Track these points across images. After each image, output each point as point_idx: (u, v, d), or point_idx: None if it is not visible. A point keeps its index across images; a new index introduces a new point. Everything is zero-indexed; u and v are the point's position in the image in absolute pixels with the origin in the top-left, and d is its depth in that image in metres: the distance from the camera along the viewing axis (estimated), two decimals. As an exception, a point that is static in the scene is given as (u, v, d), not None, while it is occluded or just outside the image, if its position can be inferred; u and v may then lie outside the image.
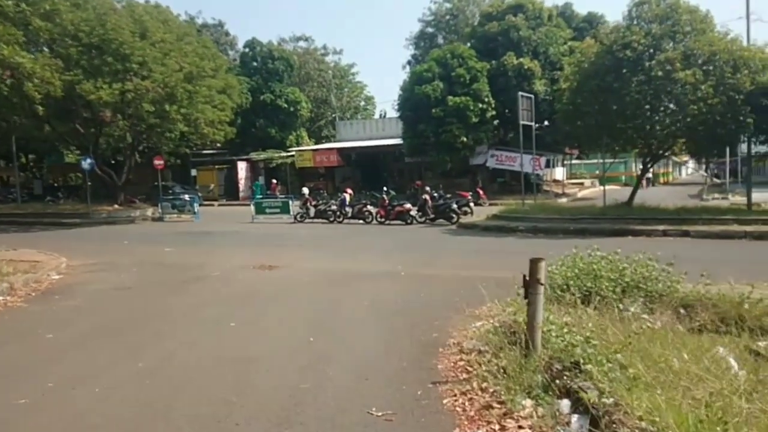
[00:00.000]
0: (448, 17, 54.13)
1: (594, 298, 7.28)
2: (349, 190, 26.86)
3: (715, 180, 46.59)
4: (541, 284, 4.50)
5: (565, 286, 7.50)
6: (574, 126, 19.93)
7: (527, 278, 4.62)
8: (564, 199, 33.35)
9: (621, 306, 7.12)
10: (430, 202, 22.81)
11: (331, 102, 60.88)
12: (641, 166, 22.97)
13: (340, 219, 24.67)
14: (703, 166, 62.46)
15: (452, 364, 5.66)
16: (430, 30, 55.89)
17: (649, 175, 45.26)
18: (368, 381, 5.45)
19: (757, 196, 25.90)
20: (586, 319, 6.50)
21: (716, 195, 29.37)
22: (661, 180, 56.57)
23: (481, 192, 31.41)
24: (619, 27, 18.44)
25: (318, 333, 7.42)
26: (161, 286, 11.36)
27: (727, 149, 25.10)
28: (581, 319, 6.23)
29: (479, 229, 19.59)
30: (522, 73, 34.21)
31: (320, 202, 26.28)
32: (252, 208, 27.38)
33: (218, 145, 45.47)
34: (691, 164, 70.55)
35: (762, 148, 28.53)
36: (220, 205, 40.42)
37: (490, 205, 29.35)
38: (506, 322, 6.14)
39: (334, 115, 59.64)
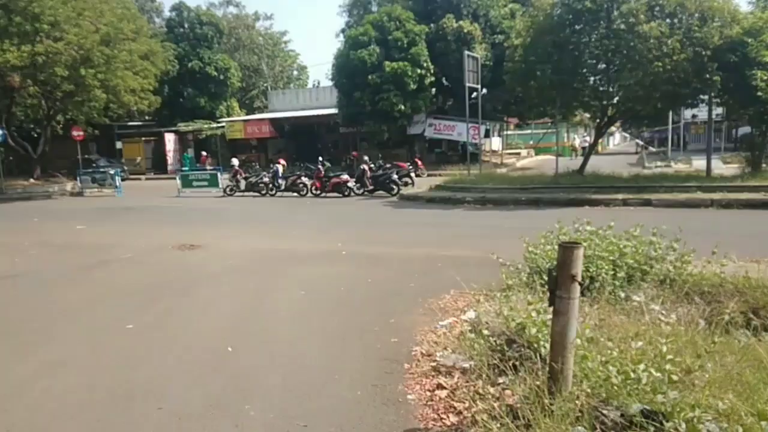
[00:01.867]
0: (382, -18, 51.78)
1: (591, 286, 5.83)
2: (282, 162, 24.75)
3: (650, 149, 47.15)
4: (579, 283, 2.89)
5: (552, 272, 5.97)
6: (526, 86, 18.50)
7: (553, 273, 2.97)
8: (503, 169, 32.38)
9: (623, 294, 5.71)
10: (368, 172, 21.10)
11: (262, 71, 57.52)
12: (593, 133, 21.96)
13: (273, 192, 22.72)
14: (628, 136, 63.74)
15: (428, 393, 3.95)
16: (362, -3, 53.50)
17: (585, 144, 45.42)
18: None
19: (699, 163, 25.81)
20: (588, 312, 5.05)
21: (658, 163, 29.10)
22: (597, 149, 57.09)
23: (419, 162, 29.94)
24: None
25: (240, 340, 5.61)
26: (56, 274, 9.24)
27: (670, 115, 24.54)
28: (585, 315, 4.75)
29: (423, 201, 18.07)
30: (462, 37, 32.63)
31: (252, 174, 24.17)
32: (178, 181, 25.26)
33: (147, 117, 42.65)
34: (618, 134, 72.02)
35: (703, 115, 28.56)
36: (147, 179, 37.89)
37: (429, 175, 28.03)
38: (492, 326, 4.51)
39: (266, 85, 56.42)
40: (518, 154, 46.82)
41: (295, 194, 22.08)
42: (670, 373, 2.68)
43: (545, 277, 5.83)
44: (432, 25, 33.05)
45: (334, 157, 35.15)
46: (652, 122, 24.77)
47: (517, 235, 11.37)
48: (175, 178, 26.70)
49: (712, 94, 16.52)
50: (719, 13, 15.95)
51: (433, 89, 33.51)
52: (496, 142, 45.28)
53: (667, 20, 15.83)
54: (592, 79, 17.03)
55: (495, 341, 4.02)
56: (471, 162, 23.82)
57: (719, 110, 30.64)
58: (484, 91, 33.60)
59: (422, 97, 32.17)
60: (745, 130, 34.21)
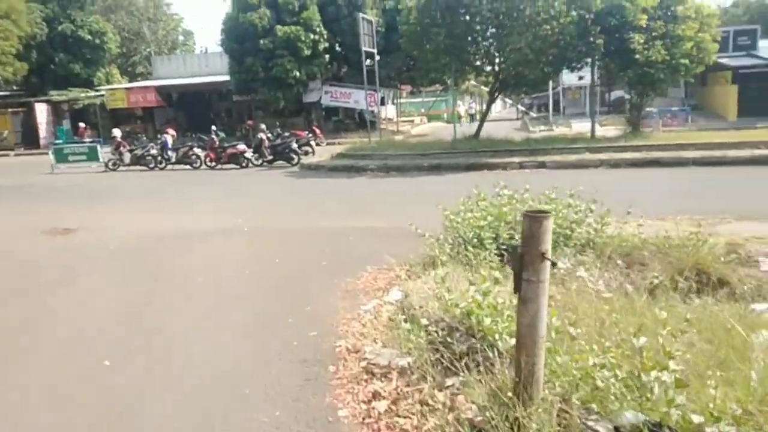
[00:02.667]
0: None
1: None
2: (172, 132, 22.86)
3: (531, 114, 49.03)
4: (552, 263, 2.43)
5: (476, 240, 5.62)
6: (421, 50, 18.13)
7: (519, 251, 2.47)
8: (400, 136, 32.24)
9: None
10: (266, 142, 19.97)
11: (144, 35, 52.97)
12: (478, 101, 22.08)
13: (162, 165, 20.97)
14: (509, 103, 66.21)
15: (363, 407, 3.24)
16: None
17: (472, 111, 46.39)
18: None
19: (579, 126, 27.04)
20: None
21: (542, 127, 30.17)
22: (478, 117, 58.53)
23: (317, 130, 28.98)
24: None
25: (120, 349, 4.67)
26: None
27: (550, 82, 25.28)
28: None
29: (326, 170, 17.38)
30: (353, 2, 31.68)
31: (137, 146, 22.08)
32: (51, 156, 22.49)
33: (14, 87, 38.47)
34: (499, 101, 74.46)
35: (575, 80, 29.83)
36: (16, 155, 33.86)
37: (328, 144, 27.22)
38: (427, 310, 4.03)
39: (148, 50, 52.09)
40: (412, 121, 47.03)
41: (188, 166, 20.51)
42: (675, 373, 2.31)
43: (471, 248, 5.53)
44: (322, -13, 31.79)
45: (228, 127, 33.28)
46: (532, 88, 25.46)
47: (426, 201, 11.07)
48: (48, 153, 23.89)
49: (596, 57, 17.02)
50: (598, -23, 16.40)
51: (327, 55, 32.48)
52: (390, 110, 45.16)
53: None
54: (484, 43, 16.95)
55: (434, 331, 3.54)
56: (366, 129, 23.38)
57: (586, 75, 32.44)
58: (378, 57, 33.08)
59: (317, 64, 31.05)
60: (617, 93, 36.38)
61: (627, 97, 33.12)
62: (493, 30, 16.46)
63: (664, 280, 5.20)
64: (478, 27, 16.74)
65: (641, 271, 5.55)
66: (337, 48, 32.99)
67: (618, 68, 17.14)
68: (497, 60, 16.96)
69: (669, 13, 16.24)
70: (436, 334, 3.47)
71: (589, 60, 17.44)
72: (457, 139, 19.53)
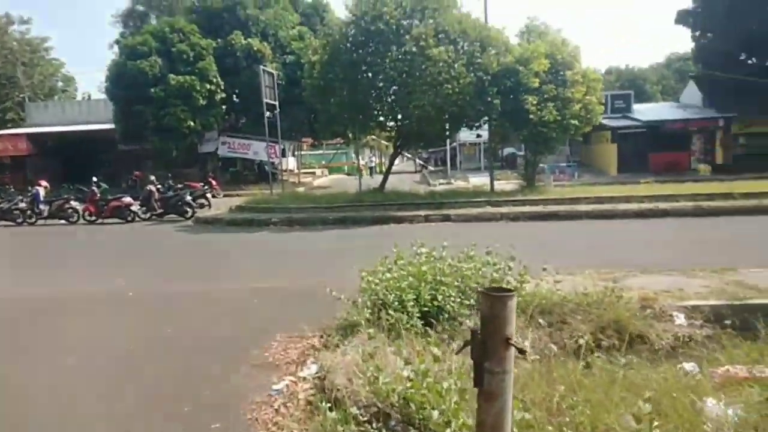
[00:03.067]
0: (161, -4, 48.15)
1: (440, 317, 5.15)
2: (44, 183, 20.74)
3: (430, 168, 50.49)
4: (520, 351, 1.99)
5: (397, 303, 5.16)
6: (326, 104, 17.97)
7: (479, 337, 2.00)
8: (302, 188, 31.76)
9: (470, 323, 5.12)
10: (156, 194, 18.66)
11: (18, 80, 49.15)
12: (377, 154, 22.25)
13: (32, 219, 18.89)
14: (406, 157, 68.18)
15: None
16: (140, 8, 49.29)
17: (372, 164, 47.05)
18: None
19: (475, 180, 28.00)
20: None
21: (441, 181, 30.91)
22: (378, 170, 59.22)
23: (214, 182, 27.79)
24: (367, -2, 17.08)
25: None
26: None
27: (448, 136, 26.00)
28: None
29: (224, 224, 16.40)
30: (252, 55, 31.40)
31: (3, 199, 19.80)
32: None
33: None
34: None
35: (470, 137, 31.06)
36: None
37: (225, 196, 26.16)
38: (350, 389, 3.46)
39: (22, 96, 48.26)
40: (313, 173, 46.87)
41: (63, 221, 18.57)
42: None
43: (392, 312, 5.05)
44: (219, 40, 31.34)
45: (112, 178, 31.06)
46: (431, 143, 26.20)
47: (336, 258, 10.61)
48: None
49: (493, 116, 17.70)
50: (495, 42, 17.32)
51: (224, 106, 31.73)
52: (291, 162, 44.74)
53: (452, 46, 16.62)
54: (387, 99, 17.19)
55: (366, 421, 2.97)
56: (267, 181, 22.68)
57: (484, 133, 34.07)
58: (277, 110, 32.75)
59: (214, 114, 30.18)
60: (509, 150, 38.39)
61: (519, 153, 35.18)
62: (396, 88, 16.64)
63: (588, 339, 5.00)
64: (381, 84, 16.94)
65: (564, 329, 5.34)
66: (235, 99, 32.41)
67: (513, 127, 17.90)
68: (400, 116, 17.16)
69: (559, 77, 17.34)
70: (369, 425, 2.91)
71: (486, 118, 18.10)
72: (363, 191, 19.34)
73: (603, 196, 16.29)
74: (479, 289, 2.13)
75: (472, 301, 5.26)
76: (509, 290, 2.14)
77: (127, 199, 18.50)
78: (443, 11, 16.90)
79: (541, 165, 26.15)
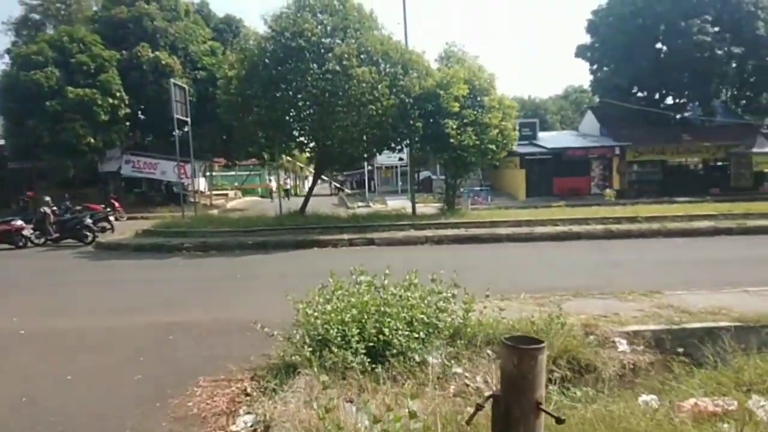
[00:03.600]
0: (59, 4, 44.98)
1: (386, 352, 4.79)
2: None
3: (346, 190, 50.30)
4: (558, 420, 1.65)
5: (340, 339, 4.75)
6: (241, 121, 17.18)
7: (502, 400, 1.64)
8: (215, 211, 30.42)
9: (417, 357, 4.80)
10: (52, 217, 17.02)
11: None
12: (292, 176, 21.63)
13: None
14: (321, 180, 67.72)
15: None
16: (36, 16, 45.85)
17: (287, 186, 46.16)
18: None
19: (393, 203, 28.08)
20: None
21: (359, 203, 30.73)
22: (293, 192, 58.25)
23: (116, 204, 25.94)
24: (288, 14, 16.53)
25: None
26: None
27: (368, 159, 25.93)
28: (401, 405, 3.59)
29: (130, 250, 15.18)
30: (160, 69, 29.86)
31: None
32: None
33: None
34: (311, 179, 75.99)
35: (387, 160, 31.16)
36: None
37: (130, 219, 24.45)
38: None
39: None
40: (226, 195, 45.23)
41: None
42: None
43: (335, 349, 4.62)
44: (124, 52, 29.60)
45: (1, 199, 28.28)
46: (349, 166, 25.97)
47: (260, 286, 9.99)
48: None
49: (415, 139, 17.73)
50: (416, 65, 17.42)
51: (129, 122, 29.92)
52: (202, 183, 42.94)
53: (375, 67, 16.51)
54: (308, 119, 16.72)
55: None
56: (180, 203, 21.44)
57: (404, 156, 34.36)
58: (189, 127, 31.37)
59: (116, 130, 28.34)
60: (425, 174, 39.04)
61: (434, 177, 35.78)
62: (318, 107, 16.24)
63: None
64: (301, 103, 16.48)
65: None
66: (141, 115, 30.74)
67: (434, 150, 18.00)
68: (321, 136, 16.73)
69: (477, 103, 17.69)
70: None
71: (408, 141, 18.09)
72: (283, 215, 18.69)
73: (521, 220, 16.69)
74: (502, 339, 1.77)
75: (421, 334, 4.93)
76: (537, 340, 1.82)
77: (18, 223, 16.72)
78: (365, 32, 16.79)
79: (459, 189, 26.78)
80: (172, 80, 18.87)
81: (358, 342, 4.66)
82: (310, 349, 4.64)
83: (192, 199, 33.12)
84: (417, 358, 4.76)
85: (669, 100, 34.75)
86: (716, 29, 30.09)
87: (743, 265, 10.87)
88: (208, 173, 45.06)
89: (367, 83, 15.58)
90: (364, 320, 4.89)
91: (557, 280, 9.24)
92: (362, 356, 4.55)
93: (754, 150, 29.81)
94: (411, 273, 5.75)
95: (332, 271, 5.67)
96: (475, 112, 17.44)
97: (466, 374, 4.75)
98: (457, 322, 5.29)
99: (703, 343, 5.24)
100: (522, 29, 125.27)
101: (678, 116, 33.97)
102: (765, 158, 29.96)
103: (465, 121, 17.18)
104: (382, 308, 5.12)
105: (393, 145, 18.46)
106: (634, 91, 34.39)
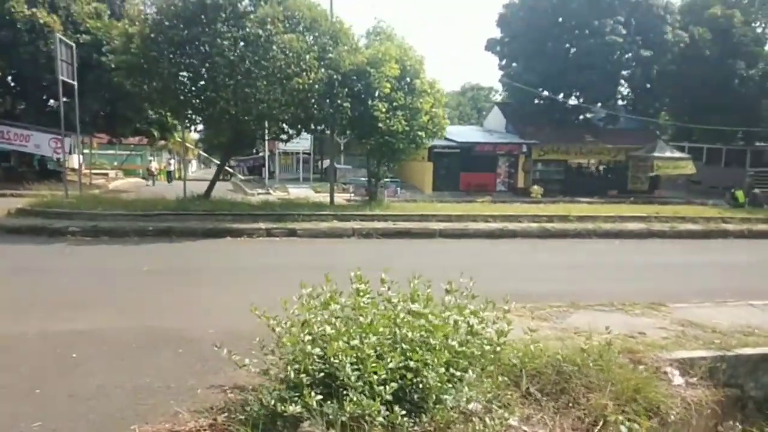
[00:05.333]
0: None
1: (413, 396, 3.46)
2: None
3: (240, 176, 47.27)
4: None
5: (356, 378, 3.35)
6: (141, 88, 14.55)
7: None
8: (96, 191, 26.98)
9: (450, 400, 3.52)
10: None
11: None
12: (176, 158, 19.29)
13: None
14: (202, 164, 63.78)
15: None
16: None
17: (171, 168, 42.08)
18: None
19: (296, 191, 26.47)
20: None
21: (259, 190, 28.64)
22: (177, 175, 53.67)
23: (-21, 179, 22.04)
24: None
25: None
26: None
27: (287, 140, 23.87)
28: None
29: (3, 232, 12.48)
30: (37, 29, 25.96)
31: None
32: None
33: None
34: (195, 161, 71.47)
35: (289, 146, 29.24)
36: None
37: (-3, 196, 20.84)
38: None
39: None
40: (106, 174, 40.81)
41: None
42: None
43: (353, 395, 3.20)
44: (-9, 6, 25.35)
45: None
46: (251, 146, 23.65)
47: (172, 282, 8.34)
48: None
49: (343, 121, 16.19)
50: (345, 38, 15.86)
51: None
52: (75, 160, 38.31)
53: (301, 35, 14.71)
54: (226, 89, 14.38)
55: None
56: (56, 181, 18.34)
57: (307, 142, 32.50)
58: (65, 99, 27.59)
59: (-19, 97, 24.17)
60: (329, 162, 37.45)
61: (339, 166, 34.23)
62: (235, 77, 14.14)
63: (618, 418, 3.72)
64: (219, 69, 14.10)
65: (569, 404, 3.98)
66: (11, 80, 26.61)
67: (361, 135, 16.59)
68: (238, 111, 14.58)
69: (407, 86, 16.50)
70: None
71: (332, 122, 16.42)
72: (187, 198, 16.45)
73: (451, 215, 15.80)
74: None
75: (454, 370, 3.63)
76: None
77: None
78: (289, -5, 14.90)
79: (353, 178, 25.47)
80: (58, 35, 15.74)
81: (381, 384, 3.28)
82: (317, 393, 3.19)
83: (72, 177, 29.36)
84: (449, 401, 3.47)
85: (573, 100, 35.49)
86: (625, 32, 30.88)
87: (703, 270, 10.78)
88: (86, 150, 40.46)
89: (294, 53, 13.82)
90: (388, 350, 3.50)
91: (520, 284, 8.32)
92: (394, 407, 3.19)
93: (656, 154, 31.30)
94: (414, 278, 4.42)
95: (327, 276, 4.19)
96: (405, 96, 16.25)
97: (524, 428, 3.53)
98: (490, 350, 4.03)
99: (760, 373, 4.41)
100: (426, 20, 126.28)
101: (581, 117, 35.00)
102: (666, 162, 31.54)
103: (395, 104, 15.93)
104: (394, 329, 3.78)
105: (315, 126, 16.65)
106: (541, 90, 34.88)
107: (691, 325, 5.81)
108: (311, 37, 15.08)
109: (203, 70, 14.00)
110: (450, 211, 16.39)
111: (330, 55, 15.14)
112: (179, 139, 44.53)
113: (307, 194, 25.26)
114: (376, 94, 15.79)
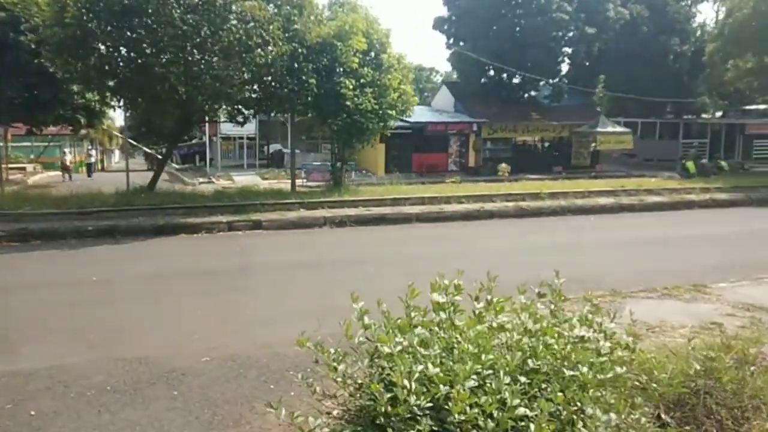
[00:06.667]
0: None
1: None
2: None
3: (173, 165, 44.34)
4: None
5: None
6: (81, 64, 12.38)
7: None
8: (14, 187, 24.27)
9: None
10: None
11: None
12: (98, 149, 17.15)
13: None
14: (119, 154, 59.66)
15: None
16: None
17: (92, 159, 38.48)
18: None
19: (241, 179, 24.81)
20: None
21: (201, 179, 26.73)
22: (98, 167, 49.57)
23: None
24: None
25: None
26: None
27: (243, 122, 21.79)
28: None
29: None
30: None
31: None
32: None
33: None
34: (118, 152, 67.15)
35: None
36: None
37: None
38: None
39: None
40: (23, 169, 37.27)
41: None
42: None
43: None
44: None
45: None
46: (188, 130, 21.66)
47: (127, 294, 7.02)
48: None
49: (309, 99, 14.66)
50: (310, 7, 14.39)
51: None
52: (-17, 152, 34.60)
53: (263, 2, 13.08)
54: (174, 62, 12.48)
55: None
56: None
57: (252, 128, 30.64)
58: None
59: None
60: (275, 147, 35.62)
61: (285, 150, 32.53)
62: (193, 50, 12.39)
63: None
64: (168, 43, 12.27)
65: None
66: None
67: (325, 115, 15.15)
68: (188, 89, 12.72)
69: (375, 61, 15.27)
70: None
71: (295, 101, 14.82)
72: (127, 191, 14.61)
73: (423, 197, 14.80)
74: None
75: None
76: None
77: None
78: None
79: (314, 163, 24.12)
80: None
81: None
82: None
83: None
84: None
85: (518, 78, 35.35)
86: (570, 9, 30.82)
87: (699, 244, 10.40)
88: (4, 142, 36.83)
89: (256, 21, 12.23)
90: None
91: (529, 271, 7.40)
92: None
93: (598, 129, 31.51)
94: (490, 281, 3.37)
95: (354, 296, 3.04)
96: (373, 72, 15.05)
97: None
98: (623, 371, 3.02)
99: None
100: None
101: (526, 95, 34.91)
102: (607, 137, 31.84)
103: (362, 81, 14.70)
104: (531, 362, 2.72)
105: (281, 105, 15.00)
106: (488, 69, 34.47)
107: (755, 308, 5.17)
108: (272, 6, 13.47)
109: (147, 43, 12.09)
110: (421, 193, 15.40)
111: (295, 26, 13.61)
112: (105, 127, 41.27)
113: (255, 182, 23.61)
114: (342, 69, 14.48)
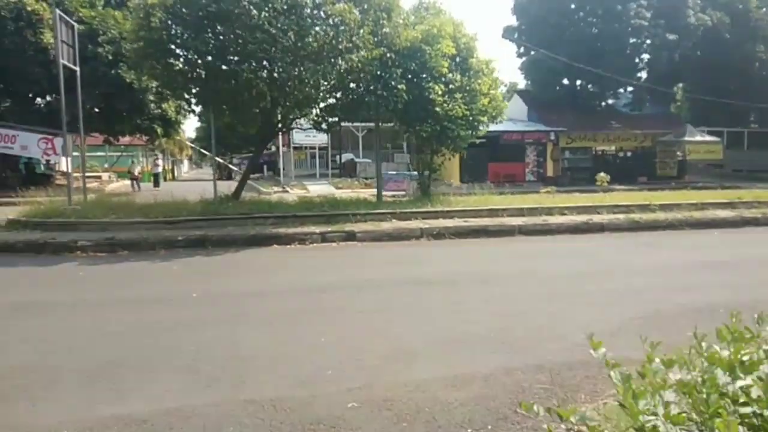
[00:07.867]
0: None
1: None
2: None
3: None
4: None
5: None
6: (165, 68, 11.86)
7: None
8: (92, 196, 24.51)
9: None
10: None
11: None
12: (163, 158, 16.81)
13: None
14: (188, 164, 60.72)
15: None
16: None
17: (158, 169, 38.61)
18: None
19: (315, 188, 24.39)
20: None
21: (275, 188, 26.51)
22: (167, 177, 50.19)
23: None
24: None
25: None
26: None
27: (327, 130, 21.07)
28: None
29: (-5, 251, 10.11)
30: (24, 16, 23.75)
31: None
32: None
33: None
34: (186, 162, 68.59)
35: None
36: None
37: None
38: None
39: None
40: (100, 177, 38.32)
41: None
42: None
43: None
44: (-27, -7, 22.99)
45: None
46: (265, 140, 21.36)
47: (246, 313, 6.16)
48: None
49: (399, 106, 13.74)
50: (398, 10, 13.58)
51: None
52: (63, 162, 35.52)
53: (353, 5, 12.32)
54: (263, 69, 11.93)
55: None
56: (44, 186, 15.89)
57: (324, 138, 30.24)
58: (56, 96, 24.97)
59: (-40, 92, 21.72)
60: (347, 156, 35.07)
61: (358, 160, 32.00)
62: (284, 55, 11.63)
63: None
64: (256, 45, 11.57)
65: None
66: (-1, 73, 24.25)
67: (411, 122, 14.26)
68: (277, 95, 12.02)
69: (463, 65, 14.32)
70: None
71: (384, 107, 13.96)
72: (214, 200, 14.11)
73: (522, 208, 13.66)
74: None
75: None
76: None
77: None
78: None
79: (390, 172, 23.35)
80: (58, 11, 13.04)
81: None
82: None
83: (58, 182, 26.89)
84: None
85: (592, 87, 33.82)
86: (649, 15, 29.33)
87: None
88: (75, 152, 37.79)
89: (346, 25, 11.50)
90: None
91: (701, 293, 6.26)
92: None
93: (686, 138, 29.54)
94: None
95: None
96: (462, 77, 14.06)
97: None
98: None
99: None
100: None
101: (603, 103, 33.28)
102: (696, 147, 29.85)
103: (451, 86, 13.79)
104: None
105: (367, 112, 14.19)
106: (563, 78, 33.13)
107: None
108: (357, 10, 12.74)
109: (233, 50, 11.51)
110: (518, 203, 14.21)
111: (385, 29, 12.84)
112: (178, 137, 41.86)
113: (329, 191, 23.10)
114: (430, 75, 13.57)
